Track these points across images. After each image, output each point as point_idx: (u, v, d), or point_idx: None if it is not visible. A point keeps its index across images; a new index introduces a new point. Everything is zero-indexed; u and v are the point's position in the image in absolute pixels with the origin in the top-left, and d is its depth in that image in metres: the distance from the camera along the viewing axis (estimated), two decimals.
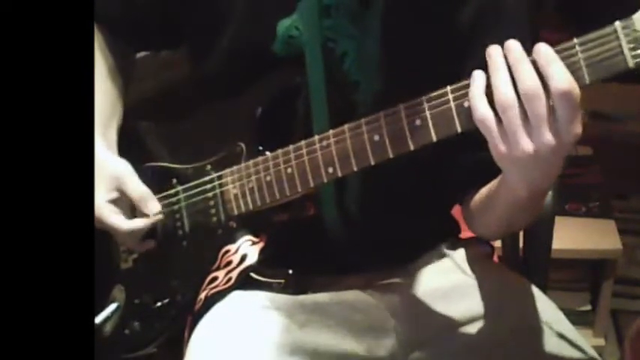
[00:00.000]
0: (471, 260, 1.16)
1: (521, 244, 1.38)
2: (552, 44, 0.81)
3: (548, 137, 0.80)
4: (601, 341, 2.14)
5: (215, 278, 1.07)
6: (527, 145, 0.81)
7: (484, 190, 1.06)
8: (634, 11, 0.79)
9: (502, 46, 0.84)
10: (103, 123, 1.14)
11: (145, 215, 1.10)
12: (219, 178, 1.08)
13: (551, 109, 0.80)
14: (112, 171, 1.09)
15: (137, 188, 1.10)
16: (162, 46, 1.27)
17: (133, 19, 1.16)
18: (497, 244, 1.35)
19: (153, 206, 1.10)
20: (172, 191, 1.13)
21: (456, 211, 1.20)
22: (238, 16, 1.05)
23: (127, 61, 1.24)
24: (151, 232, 1.12)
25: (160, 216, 1.10)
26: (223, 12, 1.06)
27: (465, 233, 1.21)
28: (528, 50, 0.82)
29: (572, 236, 2.07)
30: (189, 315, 1.09)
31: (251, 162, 1.05)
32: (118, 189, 1.10)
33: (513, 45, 0.82)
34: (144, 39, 1.20)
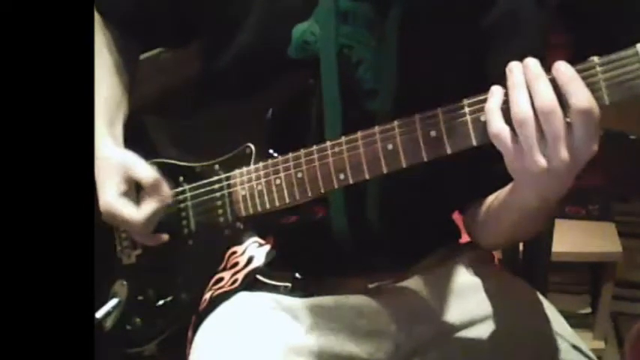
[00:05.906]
0: (472, 264, 1.16)
1: (521, 247, 1.38)
2: (551, 44, 0.81)
3: (564, 154, 0.80)
4: (601, 344, 2.15)
5: (221, 279, 1.07)
6: (542, 161, 0.81)
7: (489, 200, 1.06)
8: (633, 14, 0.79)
9: (516, 54, 0.84)
10: (109, 119, 1.13)
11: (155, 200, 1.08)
12: (228, 178, 1.07)
13: (567, 127, 0.80)
14: (119, 162, 1.08)
15: (147, 173, 1.08)
16: (171, 44, 1.27)
17: (145, 17, 1.15)
18: None
19: (164, 190, 1.08)
20: (179, 189, 1.12)
21: (456, 215, 1.21)
22: (254, 17, 1.05)
23: (132, 57, 1.23)
24: (159, 229, 1.11)
25: (170, 200, 1.09)
26: (240, 12, 1.05)
27: (465, 237, 1.21)
28: (543, 60, 0.83)
29: (572, 239, 2.08)
30: (192, 314, 1.08)
31: (261, 164, 1.04)
32: (127, 177, 1.08)
33: (531, 62, 0.82)
34: (154, 37, 1.20)
